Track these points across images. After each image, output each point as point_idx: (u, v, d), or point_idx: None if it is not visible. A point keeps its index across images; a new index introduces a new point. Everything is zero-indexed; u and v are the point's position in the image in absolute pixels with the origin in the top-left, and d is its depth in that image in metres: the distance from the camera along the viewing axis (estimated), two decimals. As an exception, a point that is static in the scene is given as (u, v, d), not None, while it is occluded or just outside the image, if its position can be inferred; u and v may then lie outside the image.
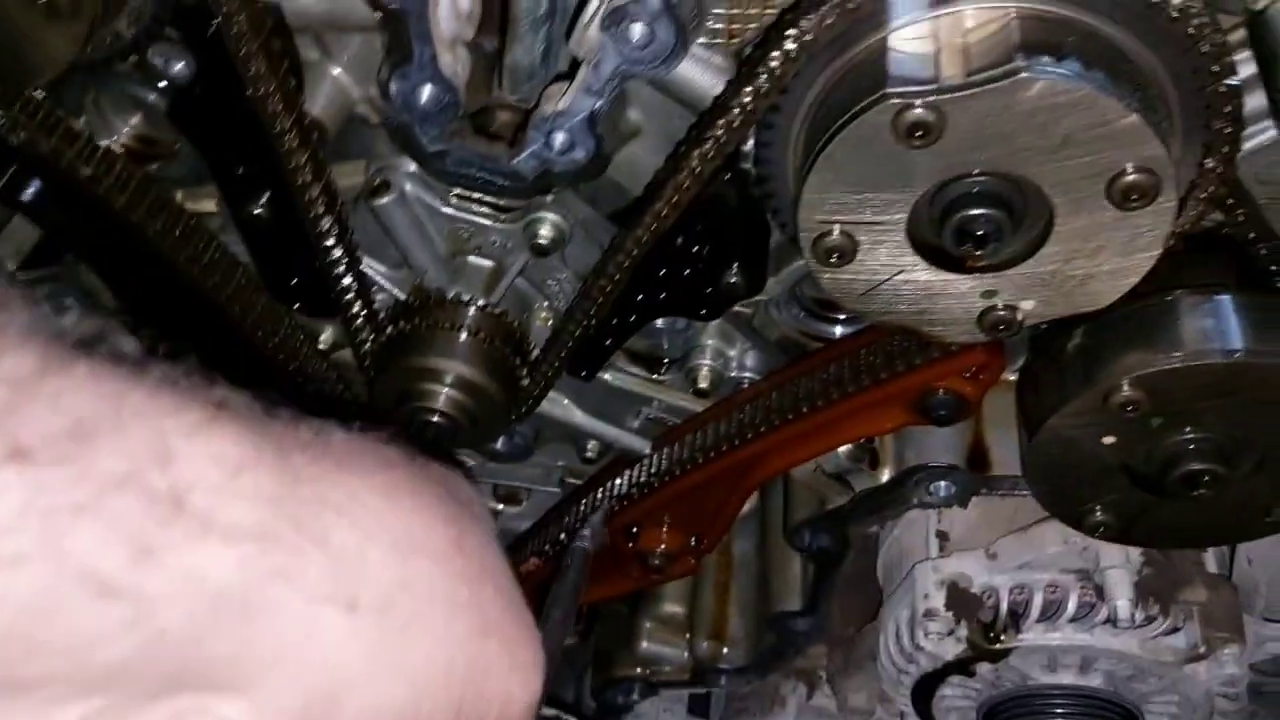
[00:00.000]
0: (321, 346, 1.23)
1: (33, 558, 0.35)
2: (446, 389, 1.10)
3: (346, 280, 1.07)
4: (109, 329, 0.42)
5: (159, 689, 0.39)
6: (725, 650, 1.52)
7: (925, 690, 1.30)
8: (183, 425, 0.40)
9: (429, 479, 0.49)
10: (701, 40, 0.93)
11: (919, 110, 0.76)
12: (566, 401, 1.29)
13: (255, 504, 0.41)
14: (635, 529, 1.34)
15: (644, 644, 1.58)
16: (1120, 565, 1.15)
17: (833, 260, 0.87)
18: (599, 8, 0.91)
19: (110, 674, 0.38)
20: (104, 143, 1.03)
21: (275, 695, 0.41)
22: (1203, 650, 1.18)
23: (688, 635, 1.55)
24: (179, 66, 0.98)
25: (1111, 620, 1.16)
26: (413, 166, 1.05)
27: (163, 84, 1.03)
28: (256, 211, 1.03)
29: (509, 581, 0.50)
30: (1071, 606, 1.18)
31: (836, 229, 0.85)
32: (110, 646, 0.37)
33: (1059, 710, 1.25)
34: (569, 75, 0.97)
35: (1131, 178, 0.78)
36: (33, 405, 0.37)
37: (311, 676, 0.42)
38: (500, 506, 1.52)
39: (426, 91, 0.95)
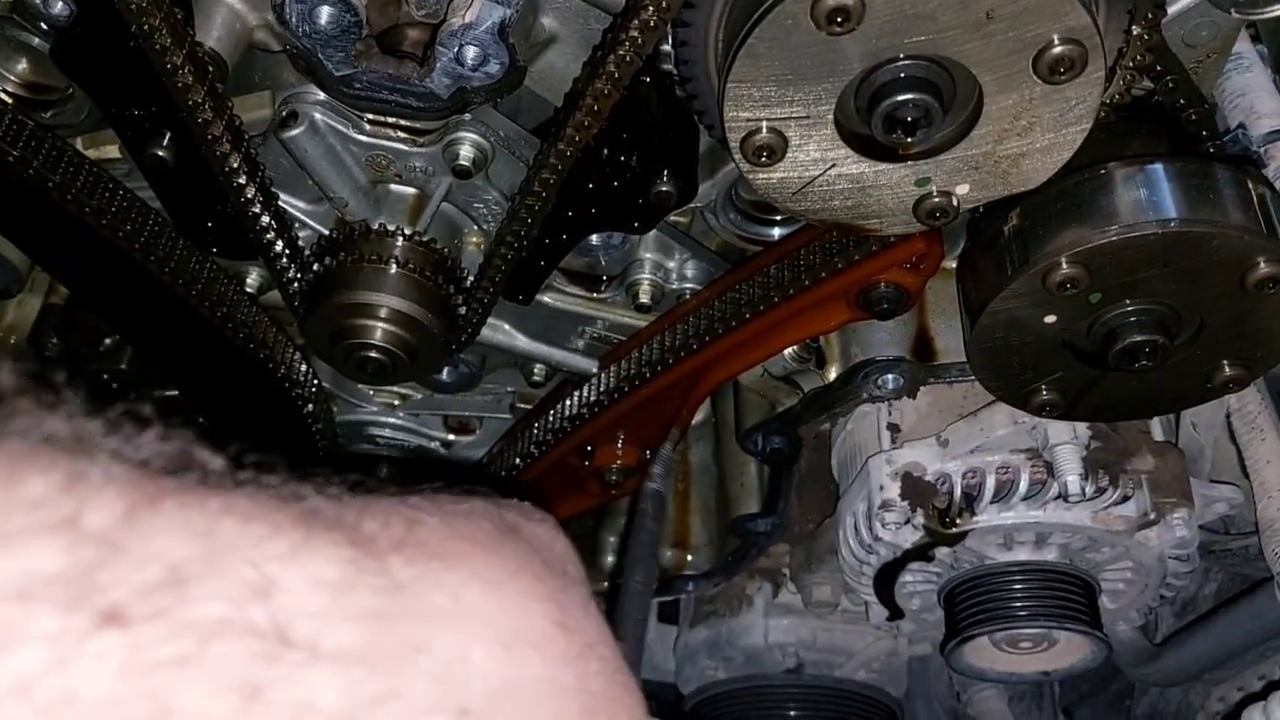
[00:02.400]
0: (249, 289, 1.19)
1: None
2: (381, 324, 1.07)
3: (264, 219, 1.03)
4: (190, 444, 0.40)
5: None
6: (689, 557, 1.53)
7: (887, 579, 1.31)
8: (279, 551, 0.39)
9: (522, 551, 0.47)
10: (610, -63, 0.89)
11: (838, -6, 0.73)
12: (508, 327, 1.27)
13: (359, 624, 0.39)
14: (590, 447, 1.33)
15: (608, 558, 1.58)
16: (1068, 441, 1.16)
17: (763, 159, 0.85)
18: (499, -91, 0.87)
19: None
20: (-11, 93, 0.97)
21: None
22: (1153, 516, 1.20)
23: (651, 546, 1.57)
24: (59, 6, 0.92)
25: (1063, 495, 1.17)
26: (321, 94, 1.01)
27: (44, 26, 0.97)
28: (159, 154, 0.98)
29: (609, 647, 0.49)
30: (1023, 486, 1.19)
31: (764, 126, 0.83)
32: None
33: (1017, 586, 1.28)
34: (476, -15, 0.92)
35: (1058, 49, 0.76)
36: (122, 559, 0.35)
37: None
38: (452, 437, 1.50)
39: (325, 12, 0.91)
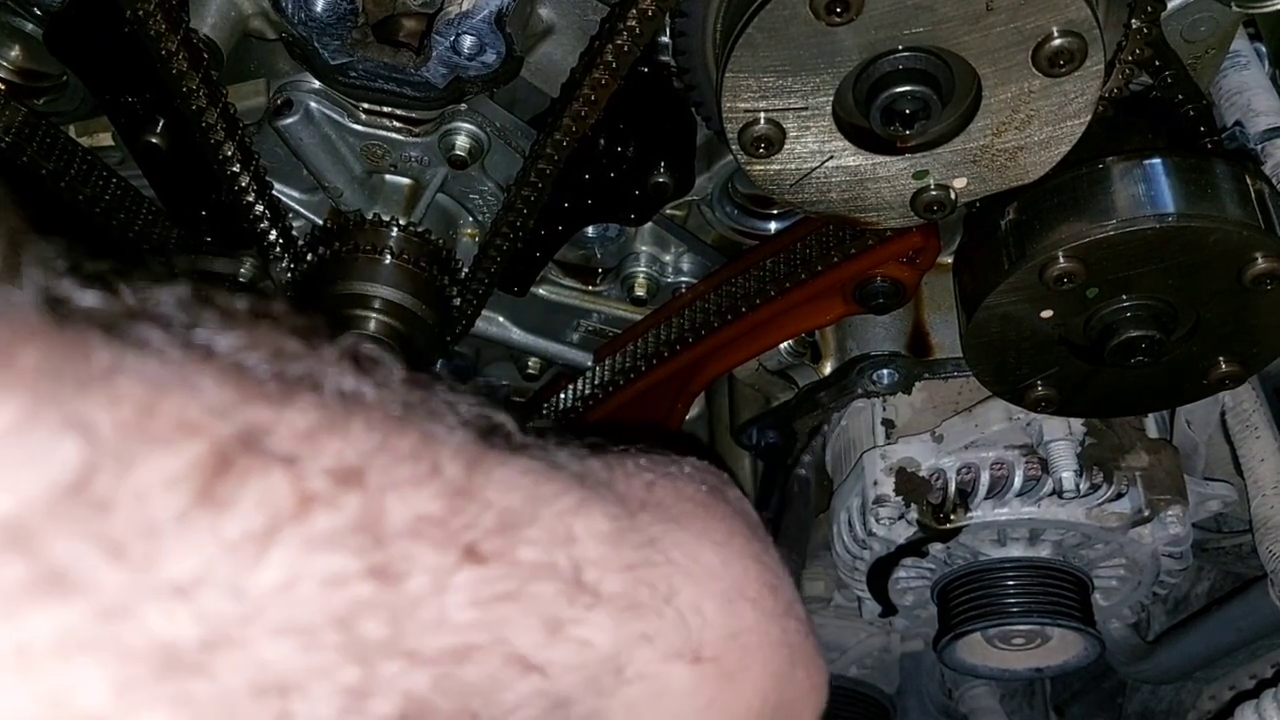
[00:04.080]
0: (242, 279, 1.19)
1: (482, 648, 0.39)
2: (375, 315, 1.07)
3: (258, 208, 1.03)
4: (488, 410, 0.44)
5: None
6: (683, 553, 1.53)
7: (880, 574, 1.31)
8: (571, 505, 0.44)
9: (731, 513, 0.52)
10: (609, -73, 0.89)
11: (837, -16, 0.73)
12: (503, 319, 1.27)
13: (623, 573, 0.44)
14: (583, 441, 1.32)
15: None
16: (1063, 437, 1.16)
17: (760, 150, 0.85)
18: (497, -102, 0.86)
19: None
20: (-19, 79, 0.97)
21: None
22: (1147, 513, 1.20)
23: (644, 541, 1.56)
24: (52, -10, 0.92)
25: (1057, 492, 1.17)
26: (317, 83, 1.00)
27: (37, 11, 0.97)
28: (152, 141, 0.98)
29: (802, 607, 0.55)
30: (1018, 482, 1.18)
31: (762, 117, 0.83)
32: (522, 712, 0.41)
33: (1010, 582, 1.28)
34: (473, -26, 0.92)
35: (1058, 42, 0.76)
36: (471, 506, 0.39)
37: None
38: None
39: (321, 1, 0.90)
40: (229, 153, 0.97)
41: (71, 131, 1.05)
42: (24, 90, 1.05)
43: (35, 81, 1.06)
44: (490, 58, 0.93)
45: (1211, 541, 1.44)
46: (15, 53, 1.05)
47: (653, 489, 0.49)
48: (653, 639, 0.45)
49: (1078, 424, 1.17)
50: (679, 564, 0.47)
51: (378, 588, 0.36)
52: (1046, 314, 0.96)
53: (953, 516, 1.23)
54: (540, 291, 1.23)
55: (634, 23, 0.84)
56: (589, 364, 1.28)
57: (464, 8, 0.90)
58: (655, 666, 0.45)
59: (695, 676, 0.46)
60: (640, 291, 1.23)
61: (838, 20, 0.74)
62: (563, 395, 1.29)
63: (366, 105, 1.02)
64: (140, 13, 0.84)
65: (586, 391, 1.26)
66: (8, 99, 0.96)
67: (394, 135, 1.04)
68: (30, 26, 1.01)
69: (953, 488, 1.22)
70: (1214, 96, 1.11)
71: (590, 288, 1.26)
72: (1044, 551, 1.27)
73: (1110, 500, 1.20)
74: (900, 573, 1.31)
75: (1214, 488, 1.30)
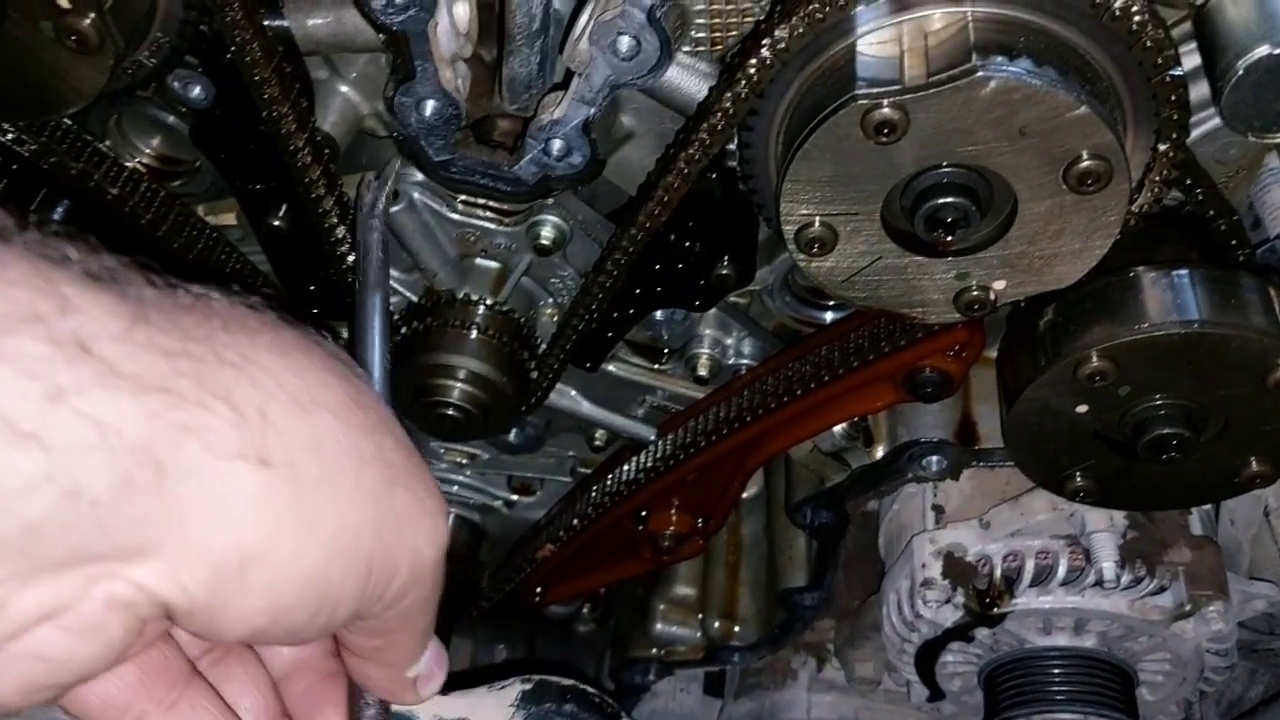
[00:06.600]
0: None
1: None
2: (460, 384, 1.17)
3: (361, 285, 1.14)
4: None
5: (69, 556, 0.37)
6: (736, 628, 1.57)
7: (928, 658, 1.35)
8: (73, 278, 0.38)
9: (311, 337, 0.47)
10: (686, 49, 0.99)
11: (885, 110, 0.82)
12: (574, 393, 1.36)
13: (152, 356, 0.39)
14: (644, 513, 1.40)
15: (658, 625, 1.62)
16: (1105, 529, 1.20)
17: (814, 250, 0.93)
18: (589, 22, 0.97)
19: (22, 536, 0.36)
20: (128, 164, 1.10)
21: (187, 559, 0.40)
22: (1189, 608, 1.22)
23: (700, 615, 1.61)
24: (197, 91, 1.05)
25: (1100, 582, 1.21)
26: (420, 176, 1.12)
27: (181, 108, 1.10)
28: (275, 224, 1.10)
29: (402, 430, 0.49)
30: (1061, 571, 1.22)
31: (817, 221, 0.91)
32: (26, 503, 0.35)
33: (1056, 671, 1.30)
34: (564, 85, 1.03)
35: (1086, 164, 0.84)
36: None
37: (224, 538, 0.40)
38: (515, 497, 1.58)
39: (430, 106, 1.01)
40: (340, 235, 1.08)
41: (200, 211, 1.18)
42: (161, 174, 1.19)
43: (172, 166, 1.20)
44: (577, 160, 1.03)
45: (1263, 643, 1.45)
46: (157, 141, 1.19)
47: (202, 300, 0.43)
48: (199, 433, 0.39)
49: (1120, 517, 1.21)
50: (233, 363, 0.41)
51: None
52: (1082, 409, 1.02)
53: (998, 602, 1.26)
54: (610, 368, 1.32)
55: (705, 135, 0.94)
56: (652, 438, 1.36)
57: (555, 116, 1.01)
58: (207, 464, 0.39)
59: (263, 482, 0.40)
60: (703, 371, 1.31)
61: (885, 140, 0.83)
62: (627, 467, 1.37)
63: (463, 197, 1.13)
64: (275, 114, 0.97)
65: (649, 464, 1.34)
66: (149, 182, 1.09)
67: (486, 224, 1.15)
68: (171, 119, 1.14)
69: (998, 574, 1.26)
70: (1258, 210, 1.17)
71: (656, 366, 1.34)
72: (1089, 642, 1.29)
73: (1153, 594, 1.23)
74: (947, 657, 1.34)
75: (1259, 587, 1.32)
